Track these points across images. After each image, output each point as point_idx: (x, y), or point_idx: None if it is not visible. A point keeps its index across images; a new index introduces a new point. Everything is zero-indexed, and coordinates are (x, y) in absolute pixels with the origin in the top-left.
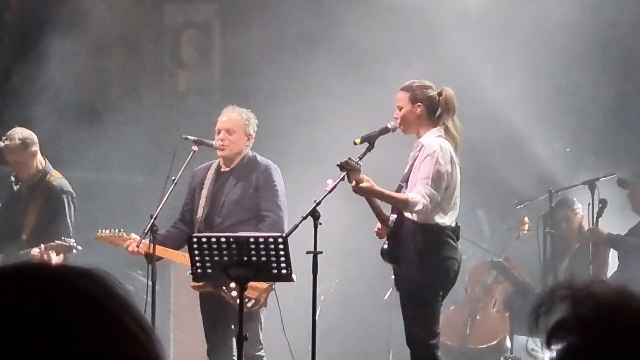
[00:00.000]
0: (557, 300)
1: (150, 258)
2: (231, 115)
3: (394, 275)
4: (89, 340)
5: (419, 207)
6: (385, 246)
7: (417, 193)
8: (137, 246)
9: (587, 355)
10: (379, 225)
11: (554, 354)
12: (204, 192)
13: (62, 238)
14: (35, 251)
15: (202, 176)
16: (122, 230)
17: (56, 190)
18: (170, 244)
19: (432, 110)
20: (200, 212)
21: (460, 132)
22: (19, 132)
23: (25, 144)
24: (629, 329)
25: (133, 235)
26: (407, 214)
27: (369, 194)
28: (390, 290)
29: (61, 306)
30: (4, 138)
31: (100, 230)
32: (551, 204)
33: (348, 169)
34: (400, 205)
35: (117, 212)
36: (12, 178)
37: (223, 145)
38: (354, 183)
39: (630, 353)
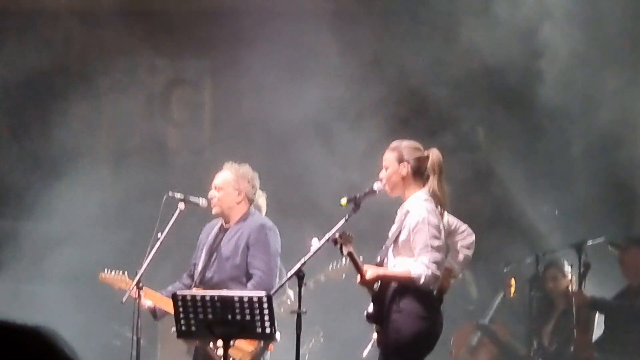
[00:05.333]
0: None
1: (137, 313)
2: (222, 172)
3: (377, 333)
4: None
5: (423, 279)
6: (370, 310)
7: (420, 264)
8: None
9: None
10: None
11: None
12: (205, 247)
13: None
14: None
15: (208, 232)
16: (125, 272)
17: None
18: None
19: (418, 171)
20: (200, 266)
21: (447, 195)
22: None
23: None
24: None
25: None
26: None
27: (375, 281)
28: (370, 347)
29: None
30: None
31: (105, 271)
32: (538, 267)
33: (342, 243)
34: (405, 281)
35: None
36: None
37: (212, 202)
38: (359, 278)
39: None
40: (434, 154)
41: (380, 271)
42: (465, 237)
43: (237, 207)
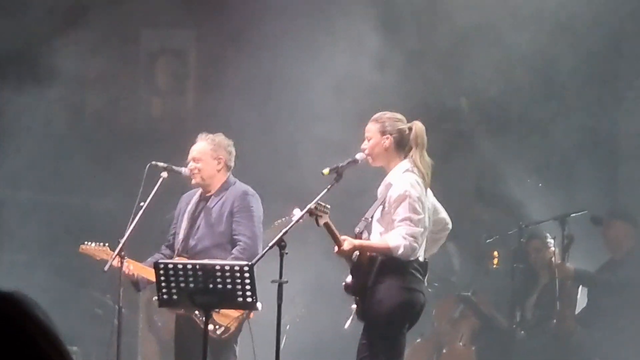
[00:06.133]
0: None
1: (119, 281)
2: (199, 144)
3: (357, 305)
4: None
5: (401, 250)
6: (349, 280)
7: (398, 235)
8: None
9: None
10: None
11: None
12: (186, 216)
13: None
14: None
15: (187, 201)
16: (106, 244)
17: None
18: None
19: (400, 143)
20: (181, 235)
21: (429, 167)
22: None
23: None
24: None
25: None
26: None
27: (353, 251)
28: (351, 318)
29: None
30: None
31: (85, 243)
32: (521, 239)
33: (318, 214)
34: (383, 253)
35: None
36: None
37: (192, 174)
38: (336, 249)
39: None
40: (416, 126)
41: (357, 242)
42: (439, 231)
43: (218, 175)
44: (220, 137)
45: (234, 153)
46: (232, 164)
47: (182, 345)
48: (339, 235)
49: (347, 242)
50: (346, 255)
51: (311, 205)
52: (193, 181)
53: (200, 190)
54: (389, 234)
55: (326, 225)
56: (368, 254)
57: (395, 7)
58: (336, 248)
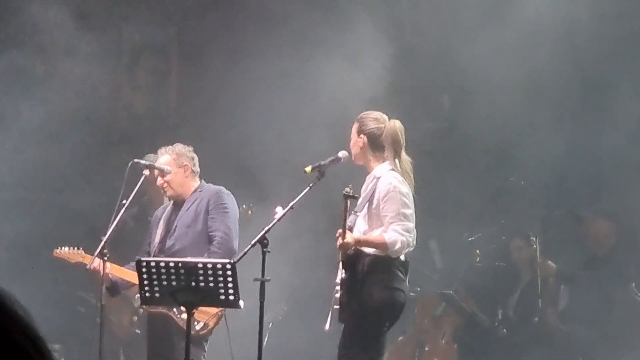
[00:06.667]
0: None
1: (102, 280)
2: (160, 158)
3: (340, 305)
4: None
5: (398, 245)
6: (344, 275)
7: (394, 232)
8: (89, 268)
9: None
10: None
11: None
12: (161, 223)
13: None
14: None
15: (161, 213)
16: (80, 248)
17: None
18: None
19: (374, 143)
20: (157, 239)
21: (409, 166)
22: None
23: None
24: None
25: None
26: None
27: (353, 245)
28: (329, 319)
29: None
30: None
31: (60, 247)
32: (503, 237)
33: (351, 197)
34: (380, 248)
35: (70, 234)
36: None
37: (163, 189)
38: (339, 241)
39: None
40: (388, 125)
41: (357, 236)
42: None
43: (187, 182)
44: (179, 146)
45: (196, 158)
46: (198, 169)
47: (155, 343)
48: (348, 227)
49: (349, 236)
50: (348, 248)
51: (346, 189)
52: (167, 194)
53: (173, 201)
54: (387, 231)
55: (345, 212)
56: (358, 251)
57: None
58: (340, 240)
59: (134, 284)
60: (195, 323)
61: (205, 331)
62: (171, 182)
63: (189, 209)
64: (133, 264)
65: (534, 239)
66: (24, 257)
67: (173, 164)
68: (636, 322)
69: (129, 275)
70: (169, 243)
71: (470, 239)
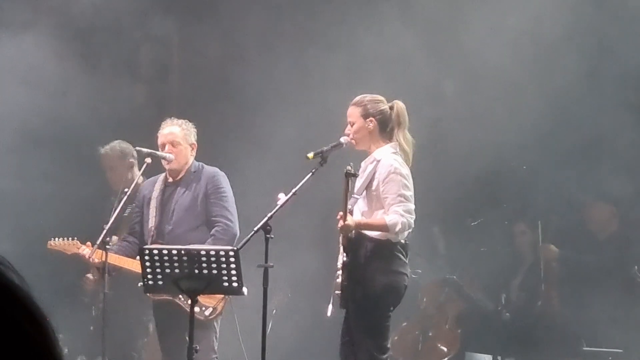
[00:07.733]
0: None
1: (104, 268)
2: (173, 128)
3: (341, 290)
4: None
5: (399, 227)
6: (346, 259)
7: (394, 213)
8: (89, 257)
9: None
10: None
11: None
12: (153, 203)
13: None
14: None
15: (149, 189)
16: (75, 238)
17: None
18: (123, 256)
19: (384, 124)
20: (152, 222)
21: (412, 146)
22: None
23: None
24: None
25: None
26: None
27: (354, 228)
28: (331, 306)
29: None
30: None
31: (53, 239)
32: (505, 222)
33: (352, 175)
34: (381, 230)
35: (70, 223)
36: None
37: (167, 161)
38: (340, 223)
39: None
40: (397, 106)
41: (357, 220)
42: None
43: (189, 161)
44: (189, 124)
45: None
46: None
47: (164, 329)
48: (349, 210)
49: (351, 219)
50: (349, 231)
51: (347, 167)
52: (169, 166)
53: (161, 177)
54: (389, 213)
55: (347, 192)
56: (360, 234)
57: None
58: (341, 222)
59: (135, 272)
60: (204, 308)
61: (214, 315)
62: (179, 155)
63: (184, 192)
64: (117, 247)
65: (538, 222)
66: (26, 247)
67: (184, 139)
68: (638, 305)
69: (130, 263)
70: (167, 228)
71: (473, 224)
